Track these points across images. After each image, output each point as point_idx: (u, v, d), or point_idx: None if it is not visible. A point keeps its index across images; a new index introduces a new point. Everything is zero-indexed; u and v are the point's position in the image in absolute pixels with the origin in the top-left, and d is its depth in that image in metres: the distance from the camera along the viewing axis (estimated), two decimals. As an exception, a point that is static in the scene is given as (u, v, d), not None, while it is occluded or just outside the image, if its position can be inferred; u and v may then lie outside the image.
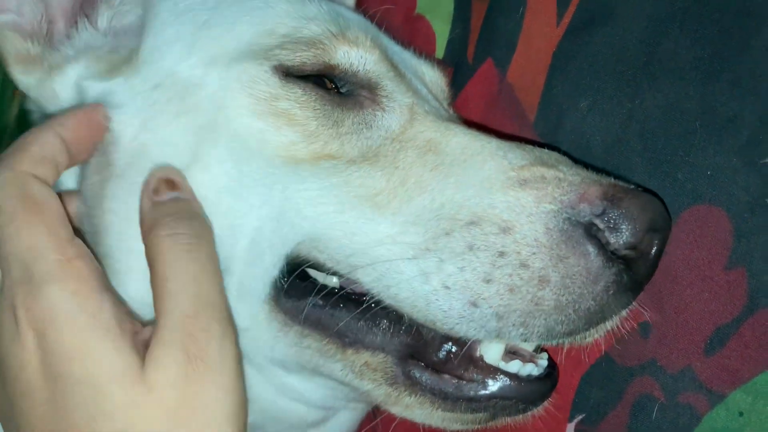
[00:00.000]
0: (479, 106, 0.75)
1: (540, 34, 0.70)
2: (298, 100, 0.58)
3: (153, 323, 0.51)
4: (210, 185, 0.57)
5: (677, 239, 0.58)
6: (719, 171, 0.57)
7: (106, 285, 0.52)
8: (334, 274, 0.56)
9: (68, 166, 0.58)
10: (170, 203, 0.54)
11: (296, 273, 0.56)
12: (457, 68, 0.79)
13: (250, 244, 0.56)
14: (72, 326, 0.48)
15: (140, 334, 0.51)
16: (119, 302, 0.52)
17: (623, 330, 0.56)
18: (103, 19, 0.65)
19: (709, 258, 0.56)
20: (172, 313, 0.49)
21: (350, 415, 0.69)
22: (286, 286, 0.57)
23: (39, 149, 0.55)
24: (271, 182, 0.56)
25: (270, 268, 0.57)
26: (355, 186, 0.56)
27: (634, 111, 0.62)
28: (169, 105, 0.59)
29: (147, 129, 0.59)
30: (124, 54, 0.63)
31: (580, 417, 0.63)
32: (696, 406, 0.56)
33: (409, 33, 0.84)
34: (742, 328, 0.55)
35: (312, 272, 0.58)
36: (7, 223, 0.51)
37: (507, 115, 0.72)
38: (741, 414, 0.54)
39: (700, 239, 0.57)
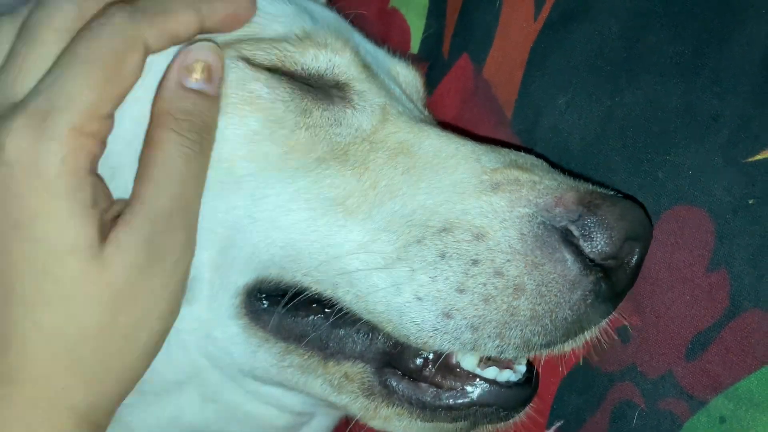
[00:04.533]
0: (455, 102, 0.73)
1: (517, 28, 0.69)
2: (267, 81, 0.55)
3: (123, 202, 0.49)
4: None
5: (657, 240, 0.56)
6: (701, 170, 0.55)
7: (95, 169, 0.49)
8: (319, 296, 0.53)
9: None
10: (194, 97, 0.51)
11: (296, 299, 0.53)
12: (433, 63, 0.77)
13: (219, 252, 0.53)
14: (48, 186, 0.46)
15: (108, 212, 0.49)
16: (101, 185, 0.50)
17: (602, 338, 0.54)
18: None
19: (691, 260, 0.55)
20: (149, 204, 0.48)
21: (325, 420, 0.66)
22: (279, 307, 0.54)
23: (174, 25, 0.51)
24: (235, 187, 0.53)
25: (238, 276, 0.54)
26: (325, 187, 0.53)
27: (614, 108, 0.60)
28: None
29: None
30: None
31: (558, 423, 0.62)
32: (677, 413, 0.55)
33: (383, 27, 0.82)
34: (723, 332, 0.53)
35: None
36: (81, 63, 0.48)
37: (483, 112, 0.70)
38: (722, 420, 0.53)
39: (681, 240, 0.56)
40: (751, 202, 0.53)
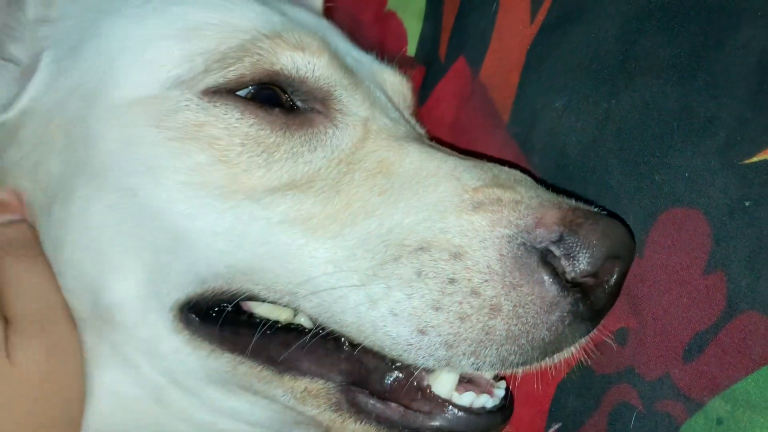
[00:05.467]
0: (452, 105, 0.73)
1: (513, 31, 0.69)
2: (223, 123, 0.54)
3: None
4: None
5: (654, 243, 0.57)
6: (697, 173, 0.55)
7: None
8: (274, 303, 0.54)
9: None
10: (6, 227, 0.58)
11: (232, 307, 0.55)
12: (429, 67, 0.77)
13: (148, 273, 0.54)
14: None
15: None
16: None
17: (583, 354, 0.54)
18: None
19: (688, 262, 0.55)
20: (25, 311, 0.55)
21: None
22: (217, 323, 0.55)
23: None
24: (158, 216, 0.54)
25: (168, 295, 0.55)
26: (279, 212, 0.53)
27: (611, 111, 0.60)
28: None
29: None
30: None
31: (556, 426, 0.62)
32: (674, 415, 0.55)
33: (380, 31, 0.82)
34: (720, 334, 0.53)
35: (251, 304, 0.56)
36: None
37: (480, 115, 0.70)
38: (720, 422, 0.53)
39: (677, 243, 0.56)
40: (747, 204, 0.53)
